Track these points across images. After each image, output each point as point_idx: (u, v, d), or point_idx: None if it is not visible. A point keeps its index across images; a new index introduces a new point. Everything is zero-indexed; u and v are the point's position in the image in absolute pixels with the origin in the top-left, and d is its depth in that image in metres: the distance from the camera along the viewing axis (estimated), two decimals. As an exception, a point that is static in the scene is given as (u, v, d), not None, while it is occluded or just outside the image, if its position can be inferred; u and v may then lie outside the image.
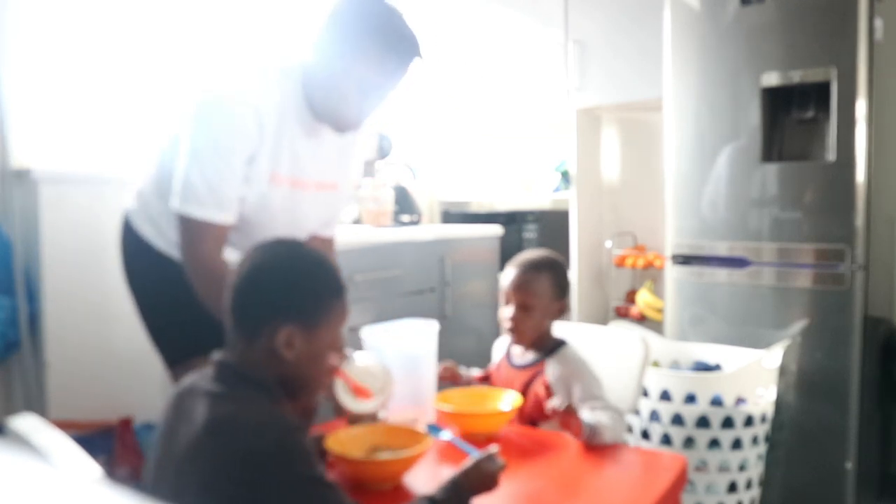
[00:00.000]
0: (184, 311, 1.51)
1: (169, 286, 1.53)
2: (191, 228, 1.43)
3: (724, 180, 2.35)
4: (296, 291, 1.12)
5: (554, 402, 1.42)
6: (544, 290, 1.64)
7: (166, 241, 1.55)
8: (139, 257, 1.60)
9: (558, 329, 1.72)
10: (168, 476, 1.06)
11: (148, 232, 1.57)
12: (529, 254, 1.72)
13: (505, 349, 1.74)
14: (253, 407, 1.05)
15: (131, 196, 1.63)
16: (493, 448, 1.18)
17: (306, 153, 1.54)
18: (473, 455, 1.18)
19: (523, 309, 1.63)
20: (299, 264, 1.14)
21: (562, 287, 1.68)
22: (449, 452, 1.39)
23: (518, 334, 1.66)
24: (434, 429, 1.45)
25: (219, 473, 0.99)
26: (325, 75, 1.47)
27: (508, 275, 1.67)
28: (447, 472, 1.14)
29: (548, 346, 1.65)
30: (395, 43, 1.45)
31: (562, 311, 1.68)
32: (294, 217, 1.59)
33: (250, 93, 1.43)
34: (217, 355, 1.12)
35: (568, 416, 1.41)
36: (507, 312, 1.65)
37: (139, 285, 1.62)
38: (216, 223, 1.43)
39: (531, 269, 1.66)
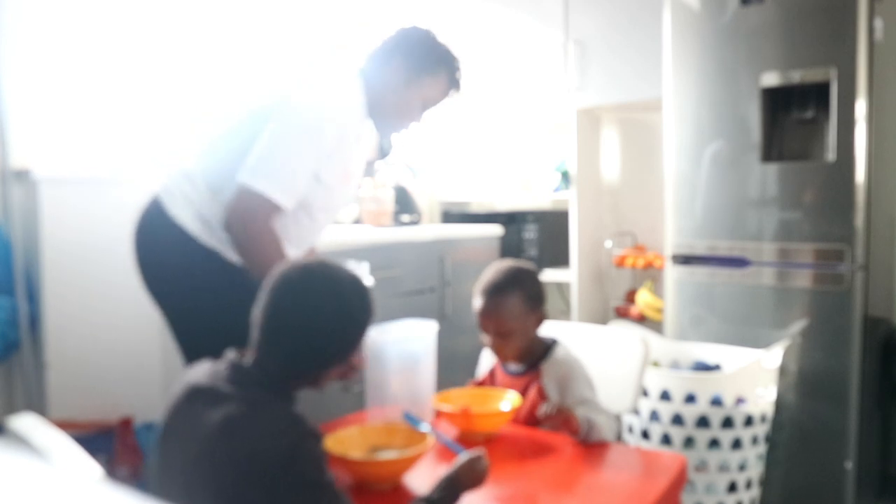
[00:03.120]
0: (231, 313, 1.52)
1: (224, 287, 1.56)
2: (254, 201, 1.51)
3: (723, 180, 2.35)
4: (348, 342, 1.15)
5: (545, 408, 1.40)
6: (516, 312, 1.57)
7: (220, 242, 1.58)
8: (189, 261, 1.59)
9: (555, 329, 1.71)
10: (178, 475, 1.06)
11: (204, 235, 1.58)
12: (492, 273, 1.63)
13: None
14: (270, 410, 1.06)
15: (177, 194, 1.61)
16: (481, 450, 1.19)
17: (356, 153, 1.72)
18: (462, 454, 1.19)
19: (501, 336, 1.58)
20: (353, 312, 1.15)
21: (533, 298, 1.60)
22: (449, 453, 1.39)
23: (503, 356, 1.63)
24: (412, 419, 1.45)
25: (232, 474, 0.99)
26: (398, 92, 1.70)
27: (477, 303, 1.61)
28: (445, 471, 1.15)
29: (539, 352, 1.63)
30: (456, 70, 1.76)
31: (540, 320, 1.62)
32: (337, 213, 1.77)
33: (350, 106, 1.62)
34: (232, 356, 1.12)
35: (562, 416, 1.40)
36: (486, 339, 1.61)
37: (182, 285, 1.60)
38: (280, 204, 1.53)
39: (496, 294, 1.58)
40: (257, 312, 1.13)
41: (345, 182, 1.71)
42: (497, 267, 1.65)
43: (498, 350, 1.60)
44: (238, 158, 1.56)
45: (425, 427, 1.40)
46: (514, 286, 1.59)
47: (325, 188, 1.64)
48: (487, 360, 1.77)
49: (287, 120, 1.55)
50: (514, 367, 1.66)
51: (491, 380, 1.71)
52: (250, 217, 1.51)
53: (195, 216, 1.59)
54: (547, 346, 1.63)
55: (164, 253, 1.62)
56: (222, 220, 1.55)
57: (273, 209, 1.53)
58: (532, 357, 1.63)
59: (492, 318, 1.58)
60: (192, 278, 1.59)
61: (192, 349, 1.59)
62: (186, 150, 1.71)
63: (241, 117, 1.65)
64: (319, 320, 1.11)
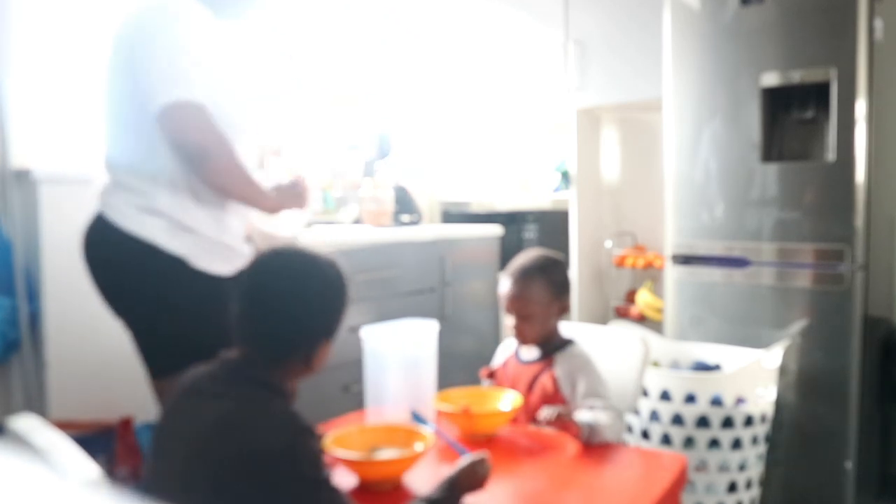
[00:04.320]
0: (189, 320, 1.50)
1: (195, 298, 1.51)
2: (189, 111, 1.44)
3: (723, 180, 2.35)
4: (332, 315, 1.14)
5: (545, 413, 1.41)
6: (540, 297, 1.63)
7: (187, 245, 1.51)
8: (156, 274, 1.51)
9: (563, 329, 1.72)
10: (172, 476, 1.06)
11: (171, 241, 1.50)
12: (522, 259, 1.69)
13: (513, 348, 1.75)
14: (264, 407, 1.06)
15: (117, 199, 1.52)
16: (484, 453, 1.19)
17: (215, 57, 1.55)
18: (465, 456, 1.19)
19: (523, 318, 1.64)
20: (332, 287, 1.15)
21: (558, 287, 1.67)
22: (449, 452, 1.39)
23: (523, 339, 1.67)
24: (419, 418, 1.45)
25: (229, 471, 0.99)
26: None
27: (504, 285, 1.67)
28: (447, 472, 1.15)
29: (555, 344, 1.66)
30: None
31: (563, 309, 1.68)
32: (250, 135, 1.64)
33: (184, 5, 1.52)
34: (224, 355, 1.12)
35: (563, 422, 1.41)
36: (509, 321, 1.67)
37: (140, 293, 1.53)
38: (202, 102, 1.46)
39: (523, 277, 1.64)
40: (236, 307, 1.13)
41: (241, 95, 1.60)
42: (527, 253, 1.72)
43: (519, 332, 1.66)
44: (148, 121, 1.46)
45: (431, 427, 1.40)
46: (541, 273, 1.65)
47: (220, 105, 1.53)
48: (504, 352, 1.79)
49: (154, 35, 1.48)
50: (527, 355, 1.69)
51: (504, 368, 1.74)
52: (201, 131, 1.45)
53: (155, 220, 1.49)
54: (564, 341, 1.67)
55: (126, 271, 1.52)
56: (175, 147, 1.46)
57: (204, 111, 1.46)
58: (549, 346, 1.66)
59: (516, 300, 1.64)
60: (162, 292, 1.51)
61: (164, 364, 1.53)
62: (103, 156, 1.60)
63: (118, 88, 1.54)
64: (296, 297, 1.11)
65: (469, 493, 1.14)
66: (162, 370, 1.54)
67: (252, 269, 1.14)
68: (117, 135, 1.56)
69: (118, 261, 1.54)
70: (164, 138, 1.46)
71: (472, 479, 1.14)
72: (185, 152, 1.46)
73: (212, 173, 1.48)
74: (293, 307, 1.11)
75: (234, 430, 1.02)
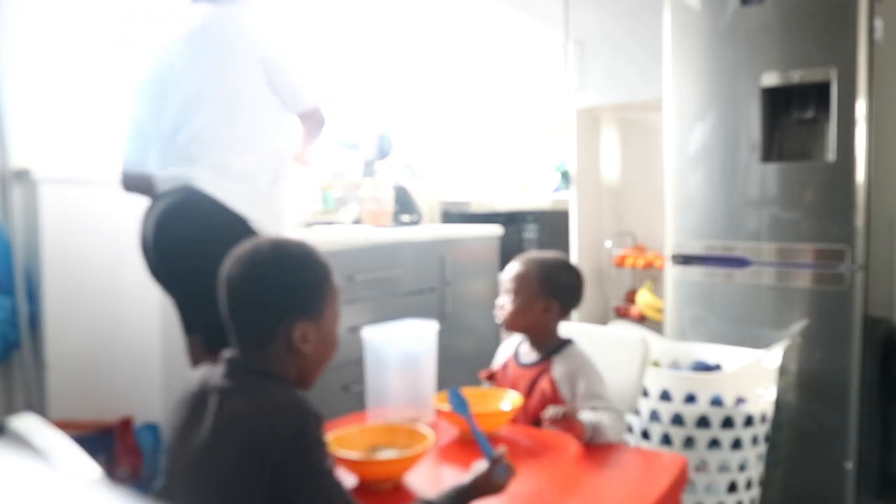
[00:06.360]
0: None
1: None
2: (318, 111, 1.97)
3: (723, 180, 2.35)
4: (298, 288, 1.13)
5: (551, 412, 1.41)
6: (528, 282, 1.67)
7: (263, 216, 1.80)
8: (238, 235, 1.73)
9: (563, 329, 1.72)
10: (186, 474, 1.07)
11: (247, 209, 1.77)
12: (534, 251, 1.79)
13: (513, 350, 1.75)
14: (270, 396, 1.06)
15: (214, 176, 1.76)
16: (503, 449, 1.17)
17: None
18: (486, 455, 1.16)
19: (507, 293, 1.69)
20: (291, 261, 1.14)
21: (554, 286, 1.68)
22: (449, 453, 1.39)
23: (501, 317, 1.71)
24: (457, 398, 1.35)
25: (239, 463, 1.00)
26: None
27: (509, 266, 1.74)
28: (447, 472, 1.14)
29: (554, 345, 1.67)
30: None
31: (547, 309, 1.68)
32: None
33: None
34: (228, 353, 1.13)
35: (567, 422, 1.41)
36: (499, 301, 1.72)
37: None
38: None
39: (523, 262, 1.72)
40: (222, 304, 1.13)
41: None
42: (544, 251, 1.81)
43: (501, 309, 1.70)
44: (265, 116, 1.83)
45: (466, 415, 1.33)
46: (540, 265, 1.70)
47: None
48: (503, 354, 1.80)
49: (286, 54, 1.87)
50: (526, 358, 1.70)
51: (503, 371, 1.74)
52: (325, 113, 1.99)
53: (249, 198, 1.76)
54: (562, 342, 1.68)
55: (214, 237, 1.63)
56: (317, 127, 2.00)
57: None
58: (547, 348, 1.67)
59: (509, 276, 1.71)
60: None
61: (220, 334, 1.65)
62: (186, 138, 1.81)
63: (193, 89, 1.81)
64: (257, 276, 1.11)
65: (484, 497, 1.12)
66: (215, 341, 1.60)
67: (227, 265, 1.14)
68: (221, 125, 1.80)
69: (206, 224, 1.72)
70: (309, 124, 1.99)
71: (487, 487, 1.13)
72: (322, 128, 2.02)
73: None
74: (254, 284, 1.11)
75: (244, 423, 1.02)
